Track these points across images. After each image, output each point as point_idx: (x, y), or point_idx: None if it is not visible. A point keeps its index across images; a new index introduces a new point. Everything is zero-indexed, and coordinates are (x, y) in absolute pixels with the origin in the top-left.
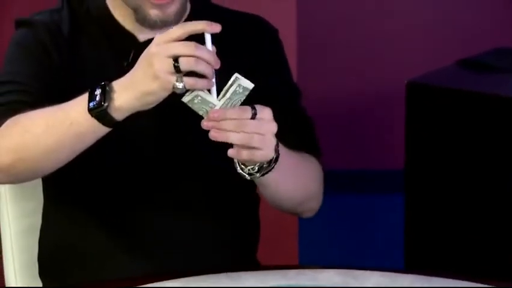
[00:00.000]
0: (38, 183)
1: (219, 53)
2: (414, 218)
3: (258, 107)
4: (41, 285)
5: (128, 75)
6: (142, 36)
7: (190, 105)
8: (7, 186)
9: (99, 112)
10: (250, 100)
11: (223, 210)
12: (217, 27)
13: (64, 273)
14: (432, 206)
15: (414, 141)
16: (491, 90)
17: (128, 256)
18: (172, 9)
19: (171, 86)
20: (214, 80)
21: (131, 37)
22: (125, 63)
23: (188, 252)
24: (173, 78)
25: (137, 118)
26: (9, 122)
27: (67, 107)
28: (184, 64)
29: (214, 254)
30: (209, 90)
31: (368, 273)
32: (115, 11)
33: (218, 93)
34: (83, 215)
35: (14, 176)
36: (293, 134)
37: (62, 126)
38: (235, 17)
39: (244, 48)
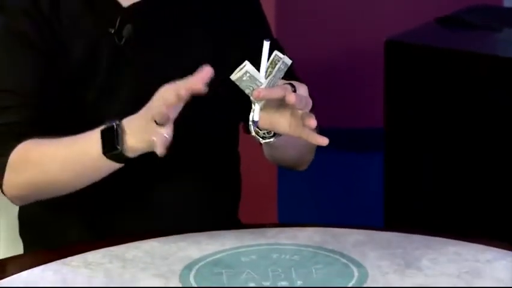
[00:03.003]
0: None
1: (203, 16)
2: (394, 175)
3: (295, 83)
4: (21, 246)
5: (137, 117)
6: (125, 2)
7: (238, 83)
8: None
9: (113, 155)
10: (243, 59)
11: (205, 170)
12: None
13: (43, 232)
14: (412, 164)
15: (394, 99)
16: (469, 48)
17: (110, 219)
18: None
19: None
20: (266, 56)
21: (114, 3)
22: (112, 30)
23: (171, 214)
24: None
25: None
26: (18, 157)
27: (81, 145)
28: (159, 120)
29: (197, 214)
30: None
31: (347, 231)
32: None
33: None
34: None
35: (27, 201)
36: None
37: (79, 165)
38: None
39: (226, 8)
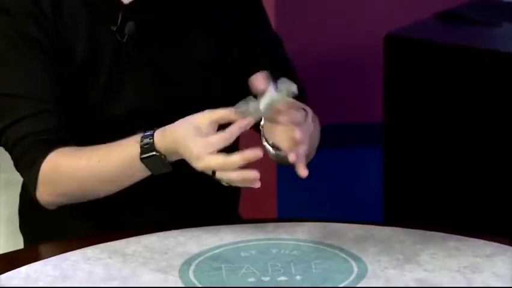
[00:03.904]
0: None
1: (204, 12)
2: (393, 170)
3: (307, 108)
4: (21, 240)
5: (170, 141)
6: None
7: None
8: None
9: (163, 172)
10: (242, 55)
11: None
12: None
13: (43, 227)
14: (411, 159)
15: (393, 94)
16: (469, 43)
17: (110, 214)
18: None
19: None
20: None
21: (115, 0)
22: (114, 28)
23: (170, 209)
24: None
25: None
26: (50, 168)
27: (123, 167)
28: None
29: (197, 209)
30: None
31: (346, 226)
32: None
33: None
34: None
35: (60, 205)
36: None
37: (120, 181)
38: None
39: (227, 5)
